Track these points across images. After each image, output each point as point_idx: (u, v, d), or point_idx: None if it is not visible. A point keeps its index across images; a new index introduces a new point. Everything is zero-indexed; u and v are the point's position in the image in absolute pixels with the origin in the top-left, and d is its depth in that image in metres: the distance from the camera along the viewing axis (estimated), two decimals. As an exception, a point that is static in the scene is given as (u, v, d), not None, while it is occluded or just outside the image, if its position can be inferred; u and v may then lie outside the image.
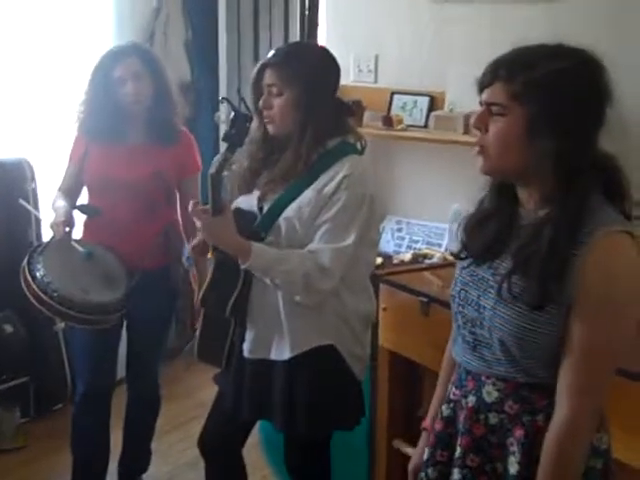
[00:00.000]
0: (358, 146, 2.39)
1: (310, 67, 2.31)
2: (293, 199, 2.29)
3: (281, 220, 2.29)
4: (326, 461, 2.58)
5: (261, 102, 2.30)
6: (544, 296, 1.50)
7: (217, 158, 2.19)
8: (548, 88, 1.50)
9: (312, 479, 2.63)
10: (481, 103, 1.59)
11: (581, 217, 1.51)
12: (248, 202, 2.39)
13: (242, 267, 2.23)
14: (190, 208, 2.23)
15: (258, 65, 2.33)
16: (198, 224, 2.22)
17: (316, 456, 2.57)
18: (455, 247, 1.77)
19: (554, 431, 1.55)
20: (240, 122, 2.13)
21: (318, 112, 2.29)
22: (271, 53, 2.35)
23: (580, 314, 1.50)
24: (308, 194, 2.26)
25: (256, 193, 2.38)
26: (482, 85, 1.58)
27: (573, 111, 1.51)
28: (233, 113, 2.14)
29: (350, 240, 2.23)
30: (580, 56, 1.54)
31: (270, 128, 2.33)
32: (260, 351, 2.37)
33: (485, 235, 1.67)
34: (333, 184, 2.24)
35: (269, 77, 2.29)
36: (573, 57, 1.54)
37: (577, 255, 1.49)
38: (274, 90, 2.28)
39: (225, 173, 2.22)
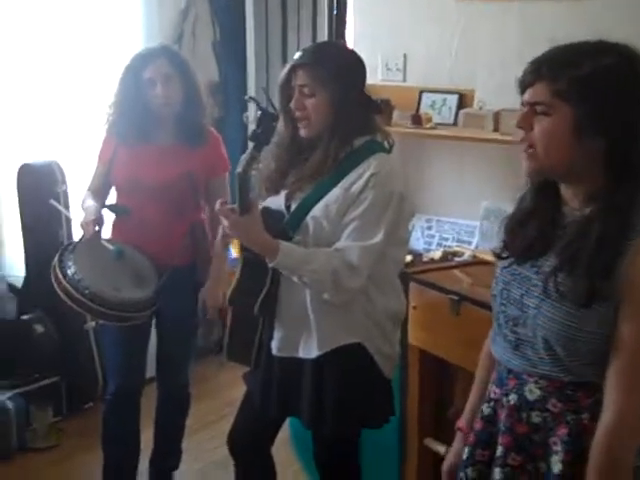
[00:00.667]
0: (386, 144, 2.39)
1: (341, 67, 2.31)
2: (320, 198, 2.29)
3: (309, 219, 2.29)
4: (355, 459, 2.58)
5: (293, 103, 2.29)
6: (591, 294, 1.49)
7: (244, 157, 2.19)
8: (594, 85, 1.48)
9: (342, 477, 2.62)
10: (523, 103, 1.58)
11: (630, 214, 1.49)
12: (276, 202, 2.39)
13: (270, 266, 2.22)
14: (217, 207, 2.23)
15: (288, 66, 2.32)
16: (225, 223, 2.21)
17: (345, 454, 2.57)
18: (496, 246, 1.75)
19: (602, 432, 1.53)
20: (267, 121, 2.13)
21: (348, 111, 2.29)
22: (299, 54, 2.34)
23: (628, 312, 1.48)
24: (335, 192, 2.26)
25: (283, 193, 2.38)
26: (524, 85, 1.57)
27: (621, 107, 1.49)
28: (260, 112, 2.14)
29: (378, 238, 2.22)
30: (622, 51, 1.53)
31: (302, 129, 2.32)
32: (288, 349, 2.38)
33: (527, 234, 1.65)
34: (361, 182, 2.24)
35: (301, 78, 2.28)
36: (616, 53, 1.52)
37: (625, 252, 1.47)
38: (306, 91, 2.28)
39: (253, 172, 2.22)
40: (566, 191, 1.61)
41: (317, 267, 2.20)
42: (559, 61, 1.52)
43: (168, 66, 2.90)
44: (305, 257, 2.22)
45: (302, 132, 2.32)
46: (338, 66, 2.31)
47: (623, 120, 1.50)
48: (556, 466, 1.60)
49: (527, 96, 1.56)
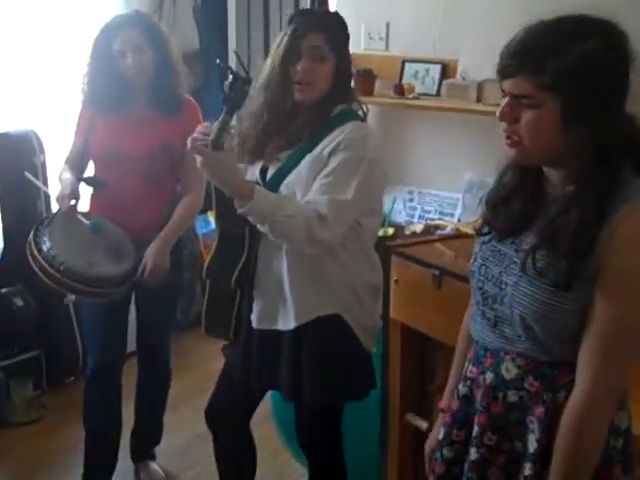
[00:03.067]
0: (360, 113, 2.37)
1: (347, 35, 2.35)
2: (295, 166, 2.27)
3: (282, 187, 2.27)
4: (337, 432, 2.57)
5: (301, 66, 2.24)
6: (570, 272, 1.47)
7: (216, 123, 2.12)
8: (580, 75, 1.44)
9: (323, 451, 2.62)
10: (504, 91, 1.53)
11: (610, 192, 1.47)
12: (250, 172, 2.36)
13: (240, 210, 2.13)
14: (189, 143, 2.12)
15: (298, 26, 2.25)
16: (198, 159, 2.10)
17: (326, 425, 2.57)
18: (476, 222, 1.74)
19: (571, 409, 1.52)
20: (239, 85, 2.06)
21: (344, 80, 2.32)
22: (305, 17, 2.32)
23: (604, 289, 1.47)
24: (307, 159, 2.25)
25: (258, 164, 2.36)
26: (504, 75, 1.51)
27: (607, 92, 1.47)
28: (231, 76, 2.08)
29: (348, 195, 2.18)
30: (606, 31, 1.48)
31: (301, 93, 2.27)
32: (267, 321, 2.37)
33: (509, 211, 1.64)
34: (332, 145, 2.23)
35: (316, 40, 2.24)
36: (599, 33, 1.47)
37: (603, 231, 1.45)
38: (318, 55, 2.25)
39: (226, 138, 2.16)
40: (549, 172, 1.59)
41: (291, 212, 2.15)
42: (540, 50, 1.46)
43: (138, 35, 2.84)
44: (279, 202, 2.18)
45: (300, 96, 2.27)
46: (346, 34, 2.34)
47: (608, 106, 1.47)
48: (532, 445, 1.60)
49: (508, 87, 1.51)
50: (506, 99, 1.52)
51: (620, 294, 1.47)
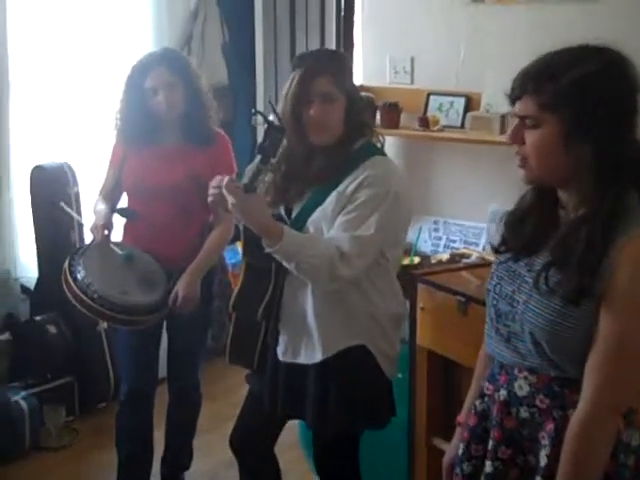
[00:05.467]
0: (379, 145, 2.42)
1: (352, 73, 2.39)
2: (320, 203, 2.30)
3: (309, 224, 2.31)
4: (355, 459, 2.59)
5: (314, 110, 2.27)
6: (579, 290, 1.53)
7: (250, 168, 2.19)
8: (576, 95, 1.52)
9: (342, 477, 2.64)
10: (513, 115, 1.63)
11: (616, 215, 1.54)
12: (276, 211, 2.40)
13: (269, 250, 2.18)
14: (225, 182, 2.14)
15: (302, 72, 2.28)
16: (230, 200, 2.13)
17: (346, 454, 2.58)
18: (495, 241, 1.80)
19: (573, 424, 1.58)
20: (274, 134, 2.11)
21: (358, 116, 2.34)
22: (311, 59, 2.33)
23: (609, 310, 1.53)
24: (332, 196, 2.28)
25: (283, 204, 2.41)
26: (512, 98, 1.61)
27: (604, 113, 1.53)
28: (267, 125, 2.12)
29: (370, 231, 2.21)
30: (604, 56, 1.56)
31: (316, 135, 2.30)
32: (292, 355, 2.40)
33: (524, 231, 1.70)
34: (355, 183, 2.26)
35: (325, 85, 2.27)
36: (596, 58, 1.55)
37: (611, 253, 1.51)
38: (329, 98, 2.27)
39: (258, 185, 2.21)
40: (563, 195, 1.66)
41: (317, 253, 2.19)
42: (541, 73, 1.56)
43: (168, 73, 2.92)
44: (306, 242, 2.22)
45: (316, 140, 2.30)
46: (351, 71, 2.39)
47: (607, 126, 1.53)
48: (543, 460, 1.64)
49: (517, 109, 1.61)
50: (516, 122, 1.61)
51: (624, 313, 1.53)
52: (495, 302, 1.74)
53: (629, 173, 1.57)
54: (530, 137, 1.59)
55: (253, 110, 2.49)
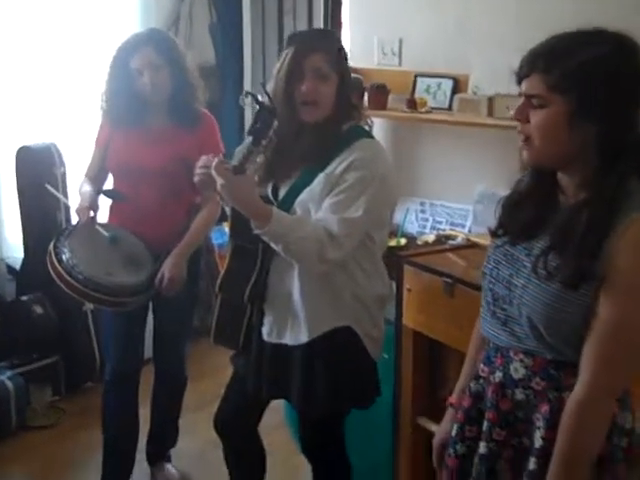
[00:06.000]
0: (367, 128, 2.44)
1: (345, 52, 2.38)
2: (308, 184, 2.31)
3: (296, 205, 2.31)
4: (341, 440, 2.61)
5: (306, 86, 2.27)
6: (578, 273, 1.54)
7: (240, 149, 2.17)
8: (586, 77, 1.52)
9: (327, 458, 2.66)
10: (520, 94, 1.62)
11: (617, 200, 1.54)
12: (262, 190, 2.40)
13: (257, 232, 2.18)
14: (214, 163, 2.13)
15: (299, 48, 2.28)
16: (219, 181, 2.11)
17: (332, 434, 2.60)
18: (492, 224, 1.80)
19: (569, 406, 1.59)
20: (265, 115, 2.09)
21: (348, 96, 2.35)
22: (304, 37, 2.36)
23: (608, 294, 1.53)
24: (320, 177, 2.28)
25: (269, 184, 2.41)
26: (520, 76, 1.61)
27: (612, 97, 1.53)
28: (258, 106, 2.10)
29: (358, 213, 2.23)
30: (617, 40, 1.56)
31: (307, 113, 2.30)
32: (278, 336, 2.41)
33: (522, 215, 1.71)
34: (344, 165, 2.26)
35: (318, 61, 2.28)
36: (609, 42, 1.55)
37: (611, 237, 1.52)
38: (321, 74, 2.28)
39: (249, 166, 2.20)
40: (563, 178, 1.66)
41: (305, 234, 2.20)
42: (552, 52, 1.56)
43: (155, 54, 2.90)
44: (294, 224, 2.22)
45: (306, 116, 2.31)
46: (344, 52, 2.37)
47: (613, 108, 1.53)
48: (537, 441, 1.66)
49: (523, 87, 1.60)
50: (522, 100, 1.61)
51: (623, 298, 1.53)
52: (492, 285, 1.75)
53: (631, 158, 1.56)
54: (535, 117, 1.58)
55: (244, 91, 2.47)
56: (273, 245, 2.23)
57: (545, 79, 1.55)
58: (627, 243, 1.51)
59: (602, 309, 1.54)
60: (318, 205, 2.27)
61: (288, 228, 2.19)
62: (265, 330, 2.43)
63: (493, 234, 1.79)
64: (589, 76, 1.52)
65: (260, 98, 2.15)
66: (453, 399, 1.96)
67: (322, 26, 4.66)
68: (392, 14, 3.87)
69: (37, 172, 3.91)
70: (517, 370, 1.70)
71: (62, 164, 4.01)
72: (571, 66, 1.52)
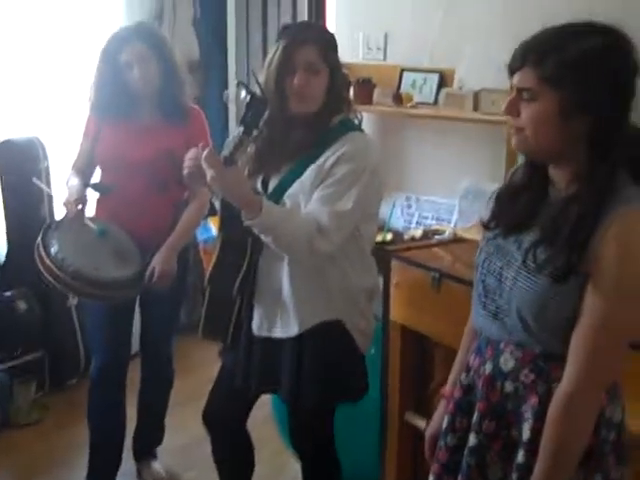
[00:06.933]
0: (356, 121, 2.43)
1: (336, 45, 2.38)
2: (297, 177, 2.31)
3: (286, 197, 2.31)
4: (330, 434, 2.61)
5: (297, 79, 2.27)
6: (568, 267, 1.54)
7: (231, 139, 2.15)
8: (578, 70, 1.52)
9: (317, 453, 2.66)
10: (511, 87, 1.62)
11: (606, 194, 1.54)
12: (253, 184, 2.39)
13: (248, 223, 2.17)
14: (205, 155, 2.10)
15: (291, 41, 2.28)
16: (210, 173, 2.09)
17: (321, 429, 2.61)
18: (484, 216, 1.80)
19: (556, 399, 1.60)
20: (257, 105, 2.08)
21: (339, 90, 2.36)
22: (297, 29, 2.35)
23: (595, 287, 1.54)
24: (310, 170, 2.29)
25: (259, 176, 2.40)
26: (512, 69, 1.61)
27: (604, 91, 1.53)
28: (249, 96, 2.09)
29: (348, 206, 2.23)
30: (608, 33, 1.56)
31: (297, 105, 2.30)
32: (268, 329, 2.41)
33: (515, 208, 1.71)
34: (334, 157, 2.27)
35: (311, 54, 2.28)
36: (601, 35, 1.55)
37: (599, 230, 1.53)
38: (313, 68, 2.28)
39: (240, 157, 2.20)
40: (554, 172, 1.66)
41: (295, 226, 2.20)
42: (544, 45, 1.56)
43: (144, 48, 2.89)
44: (285, 215, 2.22)
45: (297, 109, 2.30)
46: (336, 45, 2.38)
47: (604, 103, 1.54)
48: (525, 434, 1.67)
49: (515, 80, 1.60)
50: (513, 93, 1.61)
51: (610, 290, 1.54)
52: (483, 277, 1.75)
53: (621, 152, 1.57)
54: (527, 110, 1.59)
55: (237, 82, 2.46)
56: (263, 237, 2.22)
57: (537, 72, 1.55)
58: (614, 237, 1.52)
59: (589, 302, 1.55)
60: (308, 197, 2.27)
61: (278, 219, 2.19)
62: (255, 324, 2.43)
63: (485, 226, 1.79)
64: (581, 69, 1.52)
65: (244, 93, 2.15)
66: (446, 391, 1.97)
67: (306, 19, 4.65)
68: (377, 8, 3.88)
69: (20, 166, 3.88)
70: (507, 362, 1.70)
71: (46, 158, 3.98)
72: (563, 58, 1.52)
